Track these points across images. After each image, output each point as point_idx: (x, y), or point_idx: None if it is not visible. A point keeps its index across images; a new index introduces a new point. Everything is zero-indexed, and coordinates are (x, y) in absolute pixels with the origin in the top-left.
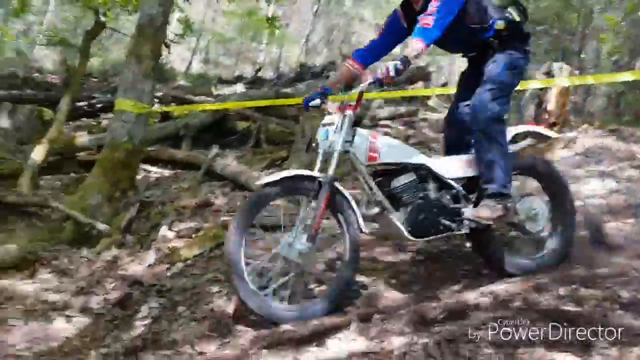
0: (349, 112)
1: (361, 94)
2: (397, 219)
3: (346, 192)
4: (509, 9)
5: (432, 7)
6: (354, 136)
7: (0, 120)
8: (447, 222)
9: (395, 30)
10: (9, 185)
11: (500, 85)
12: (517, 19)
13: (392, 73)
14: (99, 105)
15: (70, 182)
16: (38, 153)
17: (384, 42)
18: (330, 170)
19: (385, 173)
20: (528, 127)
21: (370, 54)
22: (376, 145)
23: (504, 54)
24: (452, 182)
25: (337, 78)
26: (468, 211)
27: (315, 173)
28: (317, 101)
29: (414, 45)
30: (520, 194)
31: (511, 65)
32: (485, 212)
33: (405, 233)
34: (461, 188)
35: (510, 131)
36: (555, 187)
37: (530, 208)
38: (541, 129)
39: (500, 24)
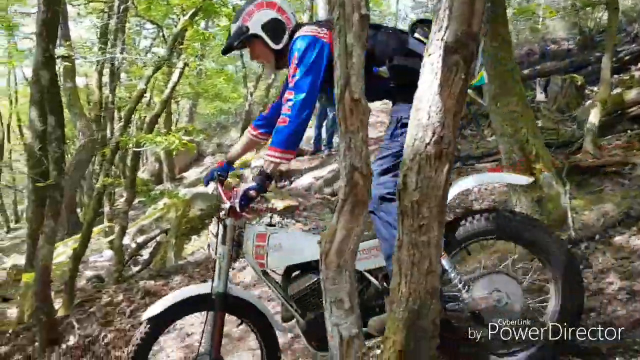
0: (229, 221)
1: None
2: (300, 329)
3: (248, 297)
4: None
5: (288, 92)
6: (241, 239)
7: (538, 94)
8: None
9: None
10: (568, 153)
11: (391, 152)
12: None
13: (237, 206)
14: (627, 58)
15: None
16: (594, 115)
17: None
18: (221, 282)
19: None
20: (490, 176)
21: (273, 120)
22: (262, 249)
23: (398, 108)
24: (367, 275)
25: (238, 150)
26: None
27: (206, 288)
28: (212, 186)
29: (268, 156)
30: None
31: (402, 123)
32: (380, 323)
33: (310, 347)
34: (377, 281)
35: (459, 185)
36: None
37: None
38: (510, 176)
39: (382, 71)
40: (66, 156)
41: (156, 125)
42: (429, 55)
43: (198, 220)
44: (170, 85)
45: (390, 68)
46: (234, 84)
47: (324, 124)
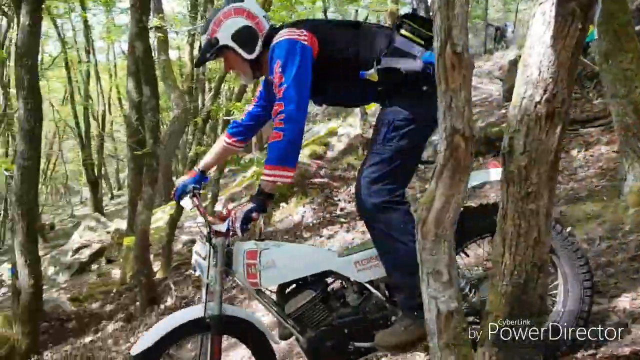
0: (218, 241)
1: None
2: (301, 347)
3: (244, 315)
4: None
5: (277, 104)
6: (230, 258)
7: None
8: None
9: (273, 93)
10: None
11: (382, 157)
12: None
13: (238, 231)
14: None
15: None
16: None
17: (262, 110)
18: (216, 305)
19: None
20: (487, 173)
21: (249, 127)
22: (255, 267)
23: (389, 111)
24: (369, 286)
25: (211, 159)
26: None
27: (199, 311)
28: (187, 201)
29: (266, 175)
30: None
31: (394, 126)
32: (387, 338)
33: None
34: (380, 293)
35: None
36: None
37: None
38: None
39: (370, 74)
40: (161, 126)
41: (245, 95)
42: (540, 3)
43: (286, 188)
44: None
45: (379, 71)
46: None
47: None
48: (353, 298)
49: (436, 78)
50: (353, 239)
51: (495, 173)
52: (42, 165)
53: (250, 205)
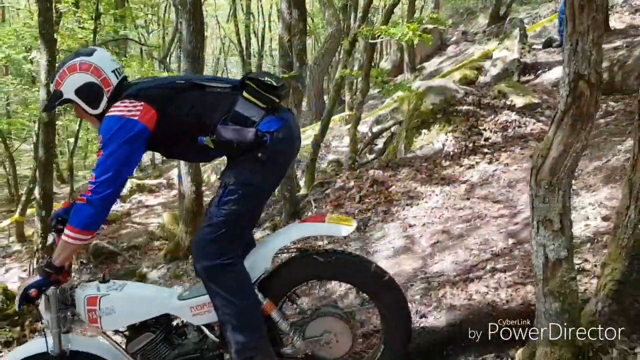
0: (50, 292)
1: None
2: None
3: (91, 348)
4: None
5: (93, 172)
6: (72, 300)
7: None
8: None
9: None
10: None
11: (216, 220)
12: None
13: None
14: None
15: None
16: None
17: None
18: (55, 344)
19: None
20: (314, 228)
21: None
22: (95, 313)
23: (228, 173)
24: (204, 329)
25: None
26: None
27: (42, 346)
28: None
29: (66, 236)
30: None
31: (229, 190)
32: None
33: None
34: (215, 335)
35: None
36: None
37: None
38: (333, 226)
39: (208, 141)
40: (316, 45)
41: (398, 15)
42: None
43: (429, 114)
44: None
45: (214, 139)
46: None
47: None
48: (193, 336)
49: (564, 18)
50: (495, 170)
51: (314, 228)
52: None
53: (32, 280)
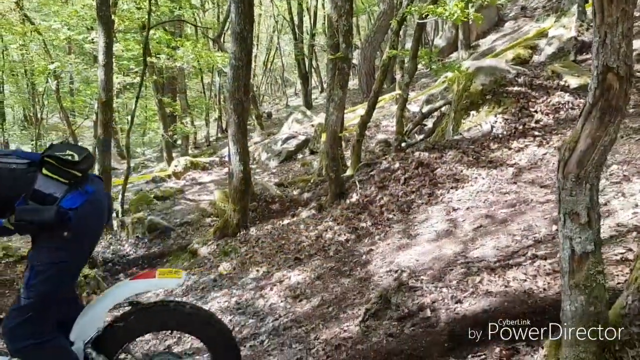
0: None
1: None
2: None
3: None
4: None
5: None
6: None
7: None
8: None
9: None
10: None
11: (25, 303)
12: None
13: None
14: None
15: None
16: None
17: None
18: None
19: None
20: (144, 284)
21: None
22: None
23: (32, 255)
24: None
25: None
26: None
27: None
28: None
29: None
30: None
31: (37, 271)
32: None
33: None
34: None
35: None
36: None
37: None
38: (162, 280)
39: (7, 223)
40: (369, 22)
41: None
42: None
43: (478, 95)
44: None
45: (13, 223)
46: None
47: None
48: None
49: (592, 10)
50: (545, 154)
51: (145, 284)
52: (263, 58)
53: None
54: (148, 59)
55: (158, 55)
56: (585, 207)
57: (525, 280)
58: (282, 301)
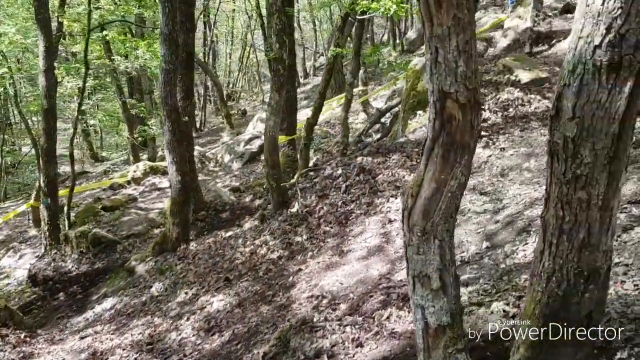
0: None
1: None
2: None
3: None
4: None
5: None
6: None
7: None
8: None
9: None
10: None
11: None
12: None
13: None
14: None
15: None
16: None
17: None
18: None
19: None
20: None
21: None
22: None
23: None
24: None
25: None
26: None
27: None
28: None
29: None
30: None
31: None
32: None
33: None
34: None
35: None
36: None
37: None
38: None
39: None
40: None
41: None
42: None
43: (426, 94)
44: None
45: None
46: None
47: None
48: None
49: (420, 18)
50: (489, 156)
51: None
52: (239, 54)
53: None
54: (101, 61)
55: (112, 58)
56: (437, 269)
57: None
58: (194, 335)
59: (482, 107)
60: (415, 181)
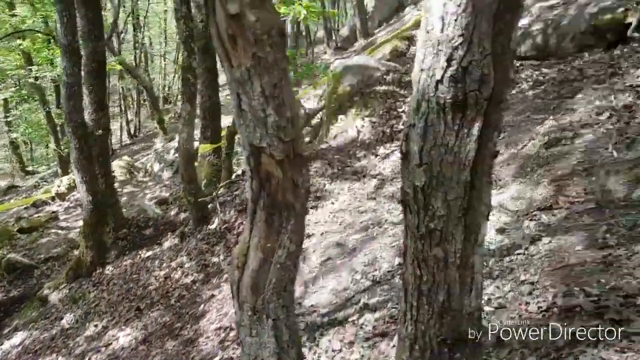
0: None
1: None
2: None
3: None
4: None
5: None
6: None
7: None
8: None
9: None
10: None
11: None
12: None
13: None
14: None
15: None
16: None
17: None
18: None
19: None
20: None
21: None
22: None
23: None
24: None
25: None
26: None
27: None
28: None
29: None
30: None
31: None
32: None
33: None
34: None
35: None
36: None
37: None
38: None
39: None
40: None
41: None
42: None
43: (346, 97)
44: None
45: None
46: None
47: None
48: None
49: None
50: None
51: None
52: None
53: None
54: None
55: (30, 68)
56: (273, 353)
57: (341, 351)
58: None
59: (403, 110)
60: (241, 250)
